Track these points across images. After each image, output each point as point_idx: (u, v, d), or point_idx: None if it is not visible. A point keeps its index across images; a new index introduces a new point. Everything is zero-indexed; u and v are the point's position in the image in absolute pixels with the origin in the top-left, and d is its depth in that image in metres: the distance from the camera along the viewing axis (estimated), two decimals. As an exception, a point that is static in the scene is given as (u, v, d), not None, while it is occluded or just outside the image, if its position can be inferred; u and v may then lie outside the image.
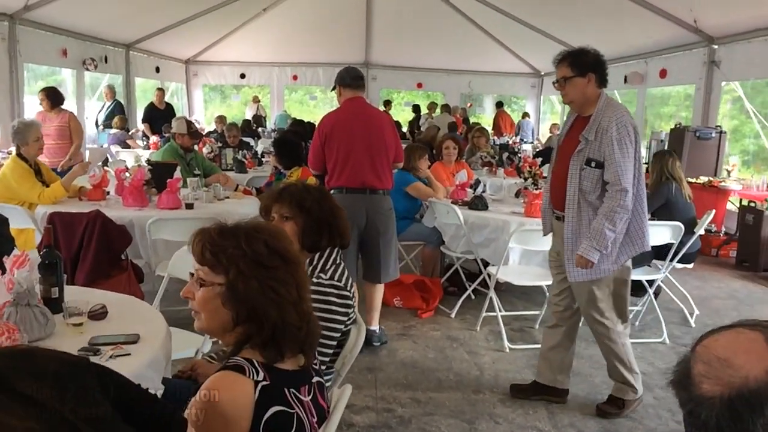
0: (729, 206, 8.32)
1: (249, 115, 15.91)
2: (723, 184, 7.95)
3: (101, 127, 11.29)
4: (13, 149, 4.94)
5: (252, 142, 10.74)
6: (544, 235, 3.88)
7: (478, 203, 5.34)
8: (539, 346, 4.04)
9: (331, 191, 4.22)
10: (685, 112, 15.15)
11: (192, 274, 1.67)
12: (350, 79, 4.48)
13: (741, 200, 7.91)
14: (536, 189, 5.08)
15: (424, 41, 14.24)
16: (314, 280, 2.31)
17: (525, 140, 14.52)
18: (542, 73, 15.95)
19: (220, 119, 12.51)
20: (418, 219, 5.98)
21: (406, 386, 4.00)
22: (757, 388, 0.90)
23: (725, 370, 0.94)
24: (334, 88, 4.62)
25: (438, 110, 15.46)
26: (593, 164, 3.32)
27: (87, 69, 10.73)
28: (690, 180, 5.93)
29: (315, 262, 2.42)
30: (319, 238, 2.44)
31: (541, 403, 3.79)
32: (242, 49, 15.09)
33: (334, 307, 2.31)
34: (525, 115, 16.43)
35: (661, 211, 5.37)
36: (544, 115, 17.38)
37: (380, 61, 15.74)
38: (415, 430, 3.48)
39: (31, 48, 8.97)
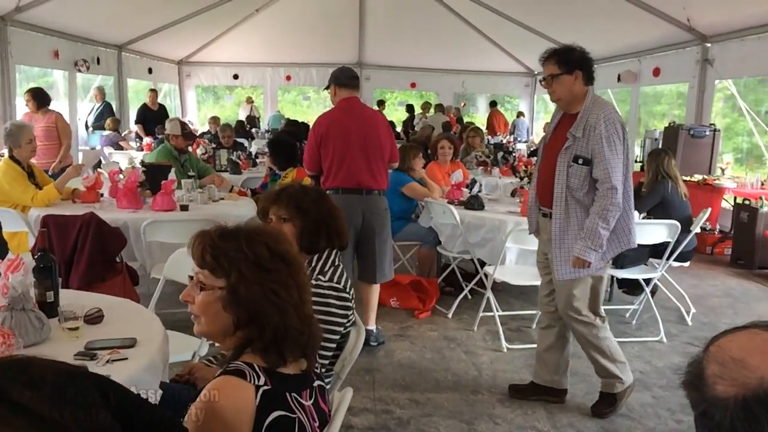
0: (723, 204, 8.33)
1: (242, 116, 15.87)
2: (717, 182, 7.97)
3: (91, 129, 11.20)
4: (6, 152, 4.88)
5: (246, 143, 10.70)
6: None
7: (475, 203, 5.33)
8: (536, 345, 4.03)
9: (327, 192, 4.19)
10: (678, 110, 15.21)
11: (191, 278, 1.65)
12: (346, 79, 4.46)
13: (735, 198, 7.93)
14: (532, 188, 5.07)
15: (417, 41, 14.22)
16: (313, 282, 2.29)
17: (520, 139, 14.53)
18: (536, 73, 15.96)
19: (214, 120, 12.47)
20: (414, 219, 5.97)
21: (404, 387, 3.98)
22: None
23: (740, 370, 0.92)
24: (327, 87, 4.60)
25: (432, 110, 15.46)
26: (581, 161, 3.32)
27: (79, 70, 10.67)
28: (684, 178, 5.92)
29: (313, 264, 2.40)
30: (318, 239, 2.42)
31: (539, 403, 3.78)
32: (235, 50, 15.04)
33: (333, 309, 2.29)
34: (520, 114, 16.45)
35: (657, 210, 5.38)
36: (538, 115, 17.40)
37: (374, 61, 15.72)
38: (413, 431, 3.46)
39: (23, 49, 8.91)
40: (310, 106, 23.50)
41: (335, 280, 2.37)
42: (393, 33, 14.10)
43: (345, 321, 2.33)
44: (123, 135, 11.21)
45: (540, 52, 3.52)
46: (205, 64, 16.10)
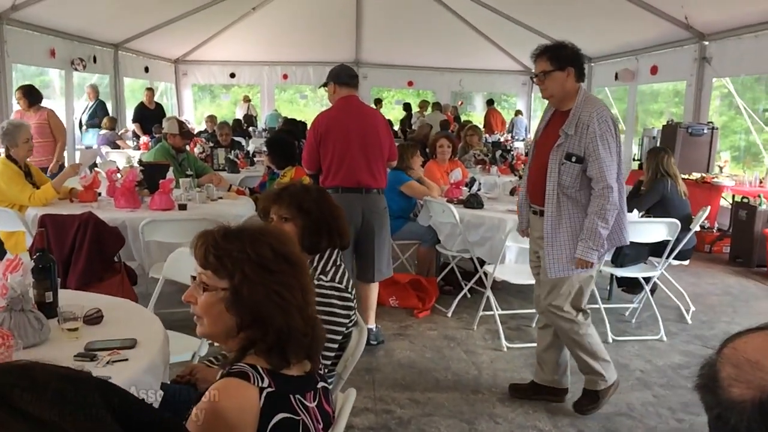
0: (722, 202, 8.33)
1: (239, 115, 15.83)
2: (716, 180, 7.97)
3: (84, 127, 11.12)
4: (2, 151, 4.86)
5: (243, 142, 10.67)
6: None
7: (474, 201, 5.32)
8: (536, 345, 4.02)
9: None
10: (674, 108, 15.23)
11: (194, 278, 1.63)
12: (347, 78, 4.43)
13: (734, 196, 7.93)
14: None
15: (414, 39, 14.20)
16: (315, 282, 2.27)
17: (518, 138, 14.52)
18: (533, 71, 15.94)
19: (211, 119, 12.43)
20: (412, 218, 5.94)
21: (405, 387, 3.96)
22: None
23: (756, 373, 0.91)
24: (324, 85, 4.57)
25: (429, 108, 15.44)
26: (574, 159, 3.30)
27: (75, 69, 10.62)
28: (683, 176, 5.92)
29: (315, 264, 2.39)
30: (319, 239, 2.41)
31: (540, 402, 3.77)
32: (232, 49, 14.99)
33: (335, 310, 2.27)
34: (518, 113, 16.44)
35: (656, 208, 5.36)
36: (535, 113, 17.37)
37: (371, 60, 15.68)
38: (414, 430, 3.45)
39: (19, 48, 8.87)
40: (307, 104, 23.45)
41: (337, 280, 2.35)
42: (390, 31, 14.07)
43: (347, 321, 2.31)
44: (119, 134, 11.17)
45: (537, 50, 3.51)
46: (202, 63, 16.06)
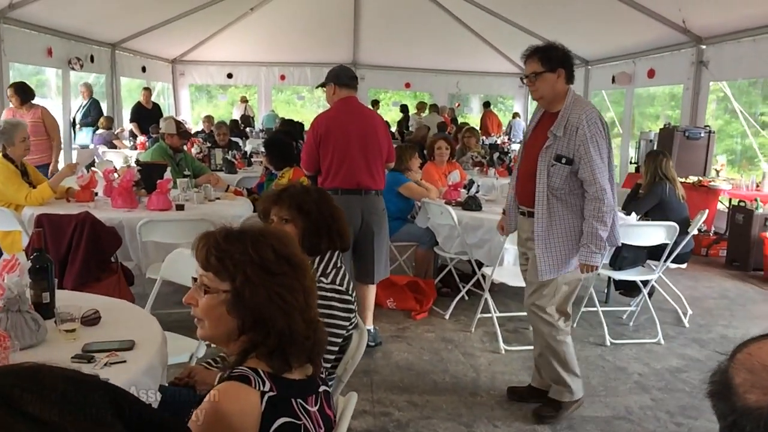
0: (718, 206, 8.34)
1: (236, 115, 15.80)
2: (713, 183, 7.97)
3: (78, 126, 11.04)
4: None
5: (240, 143, 10.65)
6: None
7: (472, 204, 5.30)
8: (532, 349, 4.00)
9: (325, 192, 4.15)
10: (670, 111, 15.27)
11: (195, 280, 1.61)
12: (347, 79, 4.41)
13: (731, 200, 7.94)
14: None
15: (412, 41, 14.19)
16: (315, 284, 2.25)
17: (515, 140, 14.51)
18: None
19: (208, 119, 12.42)
20: (410, 219, 5.93)
21: (403, 389, 3.95)
22: None
23: None
24: (323, 85, 4.54)
25: (427, 110, 15.44)
26: (563, 160, 3.29)
27: (72, 68, 10.58)
28: (680, 180, 5.92)
29: (315, 266, 2.37)
30: (319, 240, 2.39)
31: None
32: (229, 49, 14.96)
33: (335, 312, 2.25)
34: (515, 115, 16.44)
35: (654, 211, 5.36)
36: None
37: (368, 61, 15.67)
38: (412, 434, 3.44)
39: (16, 47, 8.82)
40: (304, 105, 23.47)
41: (337, 282, 2.34)
42: (388, 33, 14.06)
43: (347, 324, 2.29)
44: (116, 133, 11.12)
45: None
46: (199, 63, 16.02)
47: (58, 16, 9.61)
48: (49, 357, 2.00)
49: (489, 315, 4.85)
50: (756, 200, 7.23)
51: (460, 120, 15.92)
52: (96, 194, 4.95)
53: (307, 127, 11.55)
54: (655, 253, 4.97)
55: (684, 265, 5.42)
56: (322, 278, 2.32)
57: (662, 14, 8.97)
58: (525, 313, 5.15)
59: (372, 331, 4.55)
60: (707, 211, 5.31)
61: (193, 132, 10.98)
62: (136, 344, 2.17)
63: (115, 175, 4.86)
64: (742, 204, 7.44)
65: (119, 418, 0.92)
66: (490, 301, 4.85)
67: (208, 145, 8.50)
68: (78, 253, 4.02)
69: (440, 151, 6.42)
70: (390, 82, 17.16)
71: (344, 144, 4.28)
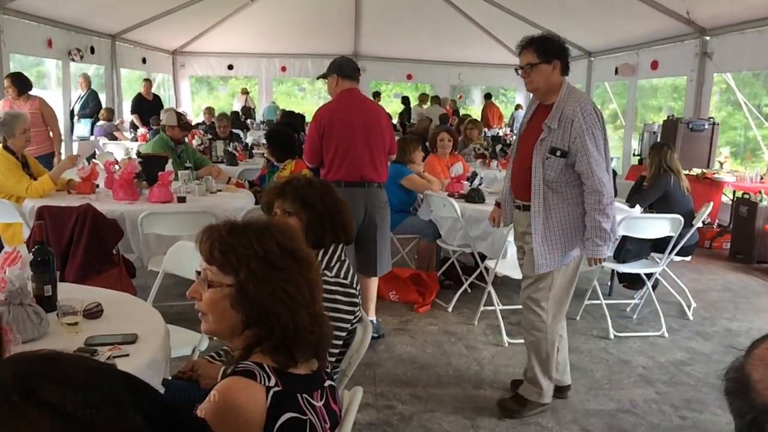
0: (722, 198, 8.31)
1: (237, 107, 15.77)
2: (717, 176, 7.93)
3: (76, 117, 10.98)
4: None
5: (241, 134, 10.62)
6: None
7: (475, 196, 5.28)
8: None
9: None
10: (673, 103, 15.22)
11: (199, 273, 1.58)
12: (351, 71, 4.37)
13: (734, 192, 7.90)
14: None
15: (414, 32, 14.13)
16: (319, 277, 2.23)
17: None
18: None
19: (209, 111, 12.37)
20: (413, 212, 5.90)
21: (406, 382, 3.93)
22: None
23: None
24: (324, 77, 4.49)
25: (429, 102, 15.38)
26: (558, 153, 3.24)
27: (73, 59, 10.53)
28: (684, 172, 5.88)
29: (319, 259, 2.34)
30: (323, 233, 2.36)
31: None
32: (230, 40, 14.90)
33: (340, 306, 2.23)
34: (518, 107, 16.38)
35: (659, 204, 5.33)
36: (534, 107, 17.33)
37: (369, 53, 15.61)
38: (416, 427, 3.42)
39: (16, 38, 8.78)
40: (305, 97, 23.41)
41: (342, 275, 2.31)
42: (389, 24, 14.00)
43: (352, 317, 2.27)
44: (116, 124, 11.07)
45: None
46: (200, 55, 15.96)
47: (58, 7, 9.57)
48: (51, 351, 1.98)
49: (492, 308, 4.83)
50: (760, 192, 7.19)
51: (462, 112, 15.86)
52: (97, 186, 4.93)
53: (308, 118, 11.55)
54: (659, 245, 4.94)
55: (688, 258, 5.41)
56: (327, 271, 2.30)
57: (666, 5, 8.90)
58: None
59: (374, 322, 4.53)
60: (712, 203, 5.28)
61: (193, 124, 10.94)
62: (139, 338, 2.15)
63: (116, 167, 4.84)
64: (746, 196, 7.41)
65: (137, 408, 0.91)
66: (493, 294, 4.83)
67: (209, 136, 8.47)
68: (79, 245, 4.00)
69: (443, 143, 6.38)
70: (391, 74, 17.10)
71: (348, 136, 4.25)
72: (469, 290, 5.44)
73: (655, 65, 10.65)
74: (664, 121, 9.35)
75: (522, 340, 4.55)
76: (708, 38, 9.17)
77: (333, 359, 2.24)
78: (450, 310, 5.18)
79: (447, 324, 4.94)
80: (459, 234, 5.13)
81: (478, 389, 3.87)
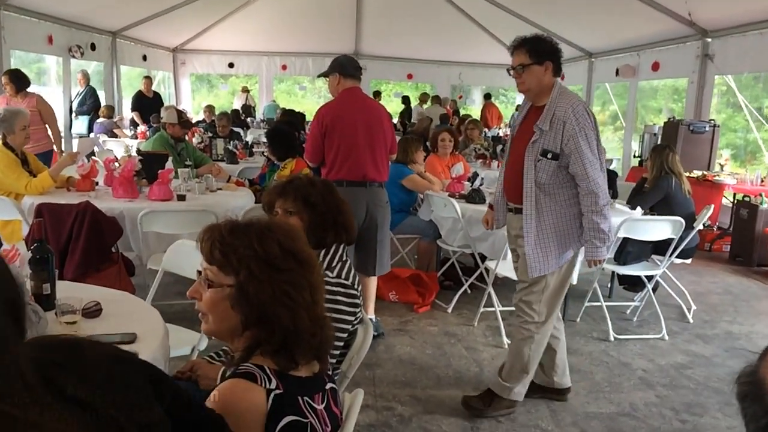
0: (722, 200, 8.30)
1: (237, 105, 15.74)
2: (717, 178, 7.92)
3: (74, 114, 10.93)
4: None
5: (241, 133, 10.60)
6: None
7: (476, 196, 5.26)
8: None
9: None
10: (673, 104, 15.22)
11: (199, 273, 1.57)
12: (353, 69, 4.35)
13: (735, 195, 7.89)
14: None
15: (414, 32, 14.12)
16: (320, 278, 2.21)
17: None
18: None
19: (209, 109, 12.36)
20: (413, 212, 5.89)
21: (405, 384, 3.91)
22: None
23: None
24: (325, 75, 4.46)
25: (429, 101, 15.35)
26: (549, 155, 3.22)
27: (73, 56, 10.50)
28: (684, 174, 5.87)
29: (321, 259, 2.32)
30: (325, 234, 2.35)
31: (542, 401, 3.72)
32: (231, 38, 14.89)
33: (341, 307, 2.21)
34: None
35: (660, 206, 5.31)
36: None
37: (370, 52, 15.58)
38: (416, 429, 3.40)
39: (17, 34, 8.76)
40: (305, 95, 23.40)
41: (343, 276, 2.29)
42: (390, 23, 13.99)
43: (353, 318, 2.25)
44: (116, 121, 11.04)
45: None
46: (200, 52, 15.95)
47: (58, 4, 9.55)
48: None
49: (492, 309, 4.82)
50: (761, 195, 7.18)
51: (462, 112, 15.84)
52: (97, 184, 4.91)
53: (308, 117, 11.53)
54: (659, 247, 4.93)
55: (689, 261, 5.40)
56: (328, 272, 2.28)
57: (668, 6, 8.89)
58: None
59: (374, 321, 4.51)
60: (712, 206, 5.26)
61: (193, 122, 10.91)
62: (138, 337, 2.14)
63: (116, 164, 4.82)
64: (746, 199, 7.40)
65: (158, 400, 0.89)
66: (494, 295, 4.82)
67: (209, 134, 8.45)
68: (78, 243, 3.98)
69: (443, 143, 6.37)
70: (392, 73, 17.09)
71: (351, 135, 4.23)
72: (469, 291, 5.43)
73: (656, 66, 10.64)
74: (664, 122, 9.34)
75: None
76: (709, 40, 9.16)
77: (334, 360, 2.23)
78: (450, 310, 5.16)
79: (447, 325, 4.92)
80: (459, 234, 5.11)
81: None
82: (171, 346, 2.35)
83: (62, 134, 8.36)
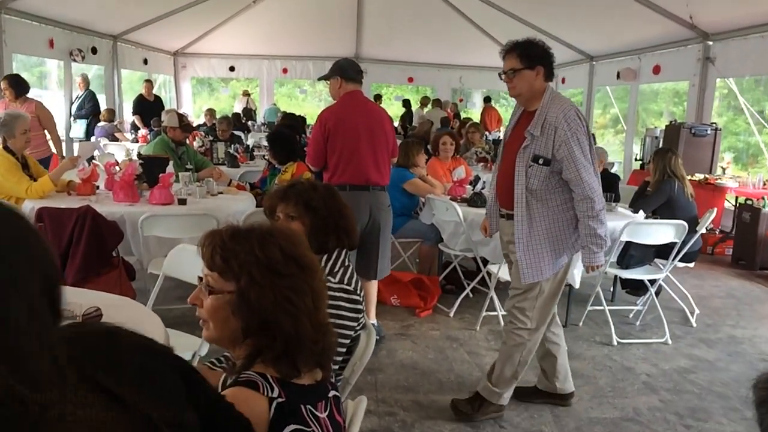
0: (725, 204, 8.27)
1: (238, 109, 15.74)
2: (719, 181, 7.90)
3: (73, 118, 10.86)
4: (-1, 142, 4.76)
5: (242, 136, 10.59)
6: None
7: (478, 200, 5.24)
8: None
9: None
10: (673, 107, 15.20)
11: (200, 279, 1.55)
12: (354, 73, 4.33)
13: (737, 198, 7.87)
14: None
15: (415, 35, 14.12)
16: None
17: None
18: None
19: (210, 112, 12.35)
20: (415, 216, 5.87)
21: (407, 389, 3.89)
22: None
23: None
24: (326, 78, 4.44)
25: (429, 105, 15.34)
26: (541, 161, 3.19)
27: (74, 60, 10.50)
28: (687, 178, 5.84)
29: (323, 265, 2.30)
30: (327, 238, 2.33)
31: (546, 406, 3.71)
32: (231, 42, 14.90)
33: (344, 313, 2.19)
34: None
35: (662, 209, 5.29)
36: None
37: (371, 55, 15.58)
38: (418, 434, 3.38)
39: (18, 38, 8.76)
40: (306, 99, 23.39)
41: (345, 281, 2.27)
42: (390, 27, 13.99)
43: (355, 324, 2.23)
44: (116, 125, 11.03)
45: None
46: (201, 56, 15.95)
47: (59, 7, 9.55)
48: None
49: (494, 313, 4.80)
50: (763, 198, 7.16)
51: (462, 115, 15.83)
52: (97, 188, 4.90)
53: (309, 121, 11.52)
54: (662, 251, 4.90)
55: (692, 264, 5.38)
56: (330, 277, 2.26)
57: (669, 9, 8.88)
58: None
59: (375, 325, 4.49)
60: (715, 210, 5.25)
61: (194, 125, 10.90)
62: (138, 343, 2.11)
63: (117, 168, 4.81)
64: (749, 202, 7.38)
65: (190, 400, 0.88)
66: (496, 299, 4.80)
67: (210, 138, 8.44)
68: (79, 247, 3.97)
69: (445, 147, 6.35)
70: (392, 77, 17.07)
71: (353, 139, 4.21)
72: (471, 295, 5.40)
73: (657, 70, 10.61)
74: (666, 126, 9.31)
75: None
76: (710, 43, 9.15)
77: (336, 367, 2.20)
78: (452, 315, 5.14)
79: (449, 329, 4.90)
80: (461, 238, 5.09)
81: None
82: (172, 352, 2.33)
83: (63, 138, 8.35)
